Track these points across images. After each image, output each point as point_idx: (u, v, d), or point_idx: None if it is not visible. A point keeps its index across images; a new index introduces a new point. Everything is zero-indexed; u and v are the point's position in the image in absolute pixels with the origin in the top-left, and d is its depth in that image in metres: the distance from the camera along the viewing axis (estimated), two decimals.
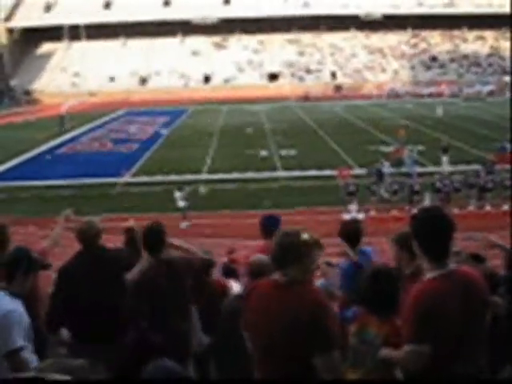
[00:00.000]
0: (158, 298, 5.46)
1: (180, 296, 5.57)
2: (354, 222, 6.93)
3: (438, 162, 27.82)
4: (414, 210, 20.76)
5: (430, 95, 67.45)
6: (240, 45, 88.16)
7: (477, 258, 5.57)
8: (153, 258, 5.59)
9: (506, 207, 21.28)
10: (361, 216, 14.85)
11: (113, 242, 18.02)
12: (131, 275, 5.56)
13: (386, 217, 20.47)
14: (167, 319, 5.39)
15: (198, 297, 6.12)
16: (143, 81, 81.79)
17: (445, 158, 27.64)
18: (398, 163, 26.80)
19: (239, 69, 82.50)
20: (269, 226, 6.48)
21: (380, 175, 23.31)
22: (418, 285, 3.71)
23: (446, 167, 26.73)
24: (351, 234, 6.27)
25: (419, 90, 71.27)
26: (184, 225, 20.19)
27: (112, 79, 79.41)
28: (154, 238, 5.64)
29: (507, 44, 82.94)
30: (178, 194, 21.20)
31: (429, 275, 3.67)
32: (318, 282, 5.95)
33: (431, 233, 3.64)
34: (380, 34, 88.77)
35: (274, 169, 29.47)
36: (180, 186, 22.14)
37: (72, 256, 5.90)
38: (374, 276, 4.31)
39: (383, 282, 4.21)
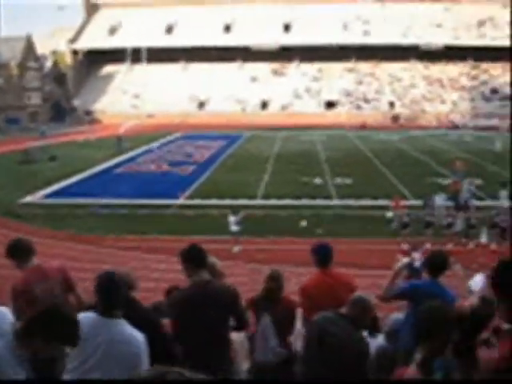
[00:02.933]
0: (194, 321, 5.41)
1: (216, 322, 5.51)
2: (441, 253, 6.70)
3: (495, 197, 27.20)
4: (471, 245, 20.43)
5: (490, 128, 66.34)
6: (298, 72, 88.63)
7: None
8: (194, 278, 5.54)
9: None
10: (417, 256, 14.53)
11: (163, 262, 18.26)
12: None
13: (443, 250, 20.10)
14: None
15: (272, 307, 6.14)
16: (201, 105, 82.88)
17: (503, 193, 27.04)
18: (455, 196, 26.34)
19: (297, 96, 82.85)
20: (322, 254, 6.47)
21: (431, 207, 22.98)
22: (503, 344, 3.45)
23: (505, 202, 26.15)
24: (438, 264, 6.10)
25: (478, 123, 70.27)
26: (236, 249, 20.24)
27: (170, 102, 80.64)
28: (197, 256, 5.58)
29: None
30: (232, 218, 21.21)
31: (506, 326, 3.45)
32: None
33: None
34: (440, 64, 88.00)
35: (328, 197, 29.32)
36: (235, 210, 22.18)
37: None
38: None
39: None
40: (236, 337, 5.84)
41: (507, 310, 3.39)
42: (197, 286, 5.45)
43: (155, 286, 13.88)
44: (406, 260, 6.36)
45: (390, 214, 23.31)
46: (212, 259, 6.15)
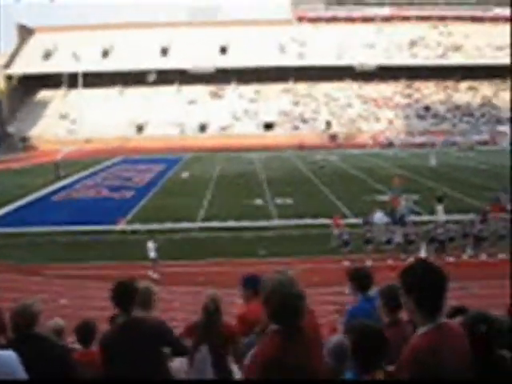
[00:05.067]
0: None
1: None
2: (366, 267, 6.95)
3: (433, 211, 27.89)
4: (410, 259, 20.79)
5: (424, 145, 68.07)
6: (236, 94, 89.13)
7: (460, 310, 5.57)
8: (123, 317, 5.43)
9: (501, 256, 21.30)
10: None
11: (105, 289, 17.96)
12: None
13: (381, 266, 20.39)
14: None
15: (210, 336, 6.15)
16: (139, 128, 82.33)
17: (440, 208, 27.74)
18: (393, 212, 26.82)
19: (235, 118, 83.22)
20: (253, 285, 6.58)
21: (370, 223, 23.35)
22: (412, 342, 3.68)
23: (441, 216, 26.80)
24: (362, 278, 6.30)
25: (413, 140, 72.05)
26: (155, 275, 19.69)
27: (108, 127, 79.75)
28: (125, 295, 5.46)
29: (500, 94, 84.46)
30: (150, 245, 20.95)
31: (420, 330, 3.66)
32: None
33: (422, 288, 3.59)
34: (374, 84, 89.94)
35: (270, 217, 29.47)
36: (153, 235, 22.00)
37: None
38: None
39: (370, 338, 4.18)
40: (177, 363, 5.79)
41: (413, 309, 3.65)
42: (122, 327, 5.38)
43: (97, 314, 13.59)
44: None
45: (334, 232, 23.52)
46: (147, 286, 6.06)
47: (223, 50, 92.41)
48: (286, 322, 3.75)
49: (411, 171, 44.53)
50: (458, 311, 5.56)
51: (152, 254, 20.77)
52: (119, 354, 5.23)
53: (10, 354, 4.50)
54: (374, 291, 6.34)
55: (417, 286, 3.62)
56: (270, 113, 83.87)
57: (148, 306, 5.76)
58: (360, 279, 6.22)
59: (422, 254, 20.98)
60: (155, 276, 19.67)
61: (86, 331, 6.24)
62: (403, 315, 5.22)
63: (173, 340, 5.75)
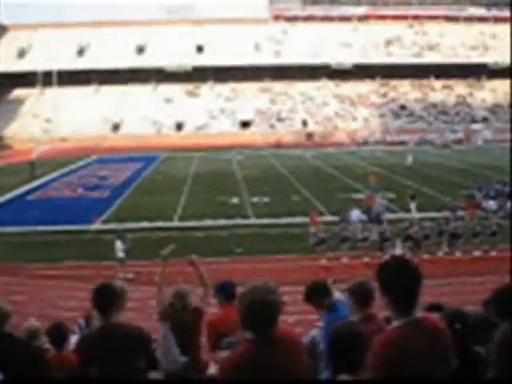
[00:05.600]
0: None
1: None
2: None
3: (408, 209, 28.09)
4: (386, 257, 20.91)
5: (399, 143, 68.52)
6: (212, 93, 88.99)
7: (436, 307, 5.60)
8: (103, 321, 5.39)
9: (476, 253, 21.53)
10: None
11: (80, 289, 17.84)
12: None
13: (357, 263, 20.50)
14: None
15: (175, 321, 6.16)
16: (115, 127, 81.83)
17: (413, 205, 27.95)
18: (369, 210, 26.95)
19: (211, 116, 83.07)
20: (226, 291, 6.62)
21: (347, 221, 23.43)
22: (382, 333, 3.72)
23: (415, 214, 27.01)
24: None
25: (389, 138, 72.51)
26: (122, 275, 19.16)
27: (84, 125, 79.12)
28: (105, 299, 5.40)
29: (474, 93, 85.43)
30: (118, 244, 20.47)
31: (394, 324, 3.69)
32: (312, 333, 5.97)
33: (397, 284, 3.65)
34: (350, 83, 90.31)
35: (246, 216, 29.46)
36: (121, 234, 21.69)
37: None
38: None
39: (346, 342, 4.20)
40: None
41: (388, 305, 3.71)
42: (101, 332, 5.33)
43: (72, 315, 13.49)
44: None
45: (311, 230, 23.50)
46: (120, 286, 6.00)
47: (199, 49, 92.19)
48: (256, 330, 3.70)
49: (387, 169, 44.80)
50: (433, 308, 5.59)
51: (120, 254, 20.35)
52: (97, 359, 5.18)
53: None
54: (337, 295, 6.30)
55: (392, 282, 3.67)
56: (247, 111, 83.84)
57: (121, 306, 5.72)
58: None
59: (398, 251, 21.12)
60: (130, 276, 19.50)
61: (57, 333, 6.18)
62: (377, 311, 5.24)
63: (150, 350, 5.70)
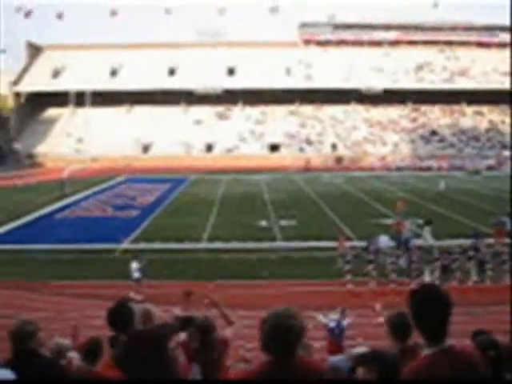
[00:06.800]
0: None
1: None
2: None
3: (438, 236, 27.69)
4: (413, 284, 20.64)
5: (430, 169, 68.07)
6: (242, 115, 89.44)
7: (480, 333, 5.47)
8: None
9: (506, 281, 21.14)
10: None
11: (103, 307, 17.84)
12: None
13: (385, 290, 20.26)
14: None
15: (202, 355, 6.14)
16: (145, 148, 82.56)
17: (427, 231, 27.52)
18: (398, 236, 26.67)
19: (241, 139, 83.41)
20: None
21: (377, 250, 23.12)
22: (413, 362, 3.68)
23: (430, 240, 26.67)
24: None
25: (419, 164, 72.05)
26: (136, 296, 18.88)
27: (115, 146, 79.99)
28: (121, 318, 5.43)
29: (506, 119, 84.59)
30: (134, 265, 20.44)
31: (425, 352, 3.64)
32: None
33: (427, 313, 3.62)
34: (380, 107, 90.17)
35: (274, 239, 29.35)
36: (136, 254, 21.69)
37: None
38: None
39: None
40: None
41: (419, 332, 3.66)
42: (128, 342, 5.38)
43: (97, 333, 13.47)
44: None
45: (338, 254, 23.30)
46: (146, 308, 6.02)
47: (230, 72, 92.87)
48: (275, 354, 3.68)
49: (417, 195, 44.43)
50: (479, 334, 5.43)
51: (135, 274, 20.30)
52: (134, 367, 5.25)
53: (5, 373, 4.44)
54: (334, 316, 6.22)
55: (422, 310, 3.64)
56: (276, 134, 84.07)
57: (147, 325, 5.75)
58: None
59: (427, 278, 20.83)
60: (138, 297, 19.28)
61: (92, 349, 6.14)
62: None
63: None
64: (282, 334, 3.65)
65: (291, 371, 3.68)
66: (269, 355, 3.71)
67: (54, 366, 5.22)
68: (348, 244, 24.79)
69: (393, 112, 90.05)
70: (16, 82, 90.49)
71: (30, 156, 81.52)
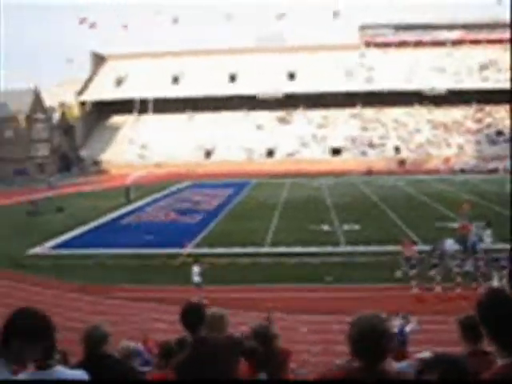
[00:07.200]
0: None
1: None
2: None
3: (504, 239, 26.98)
4: (480, 289, 20.19)
5: (496, 170, 66.46)
6: (304, 119, 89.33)
7: None
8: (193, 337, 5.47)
9: None
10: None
11: (171, 313, 18.10)
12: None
13: (451, 294, 19.89)
14: None
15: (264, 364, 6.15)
16: (208, 153, 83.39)
17: (488, 233, 26.89)
18: (464, 239, 26.12)
19: (303, 143, 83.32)
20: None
21: (442, 254, 22.69)
22: (486, 373, 3.54)
23: (489, 242, 26.05)
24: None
25: (485, 165, 70.42)
26: (195, 300, 19.20)
27: (178, 152, 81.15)
28: (194, 317, 5.48)
29: None
30: (195, 269, 20.69)
31: (500, 362, 3.51)
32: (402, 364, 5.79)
33: (497, 320, 3.46)
34: (443, 108, 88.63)
35: (337, 243, 29.18)
36: (197, 258, 21.92)
37: None
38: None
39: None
40: None
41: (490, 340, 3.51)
42: (192, 348, 5.42)
43: (162, 337, 13.68)
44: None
45: (403, 258, 23.00)
46: (215, 311, 6.06)
47: (291, 76, 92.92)
48: (363, 359, 3.59)
49: (483, 198, 43.42)
50: None
51: (196, 279, 20.55)
52: (194, 373, 5.30)
53: (81, 374, 4.56)
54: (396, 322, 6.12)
55: (492, 318, 3.48)
56: (338, 138, 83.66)
57: (218, 331, 5.78)
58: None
59: (495, 283, 20.33)
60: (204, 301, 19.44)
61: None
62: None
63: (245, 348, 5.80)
64: (375, 338, 3.58)
65: (382, 377, 3.63)
66: (359, 360, 3.66)
67: (126, 368, 5.36)
68: (414, 247, 24.41)
69: (456, 113, 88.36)
70: (81, 91, 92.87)
71: (96, 163, 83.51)
